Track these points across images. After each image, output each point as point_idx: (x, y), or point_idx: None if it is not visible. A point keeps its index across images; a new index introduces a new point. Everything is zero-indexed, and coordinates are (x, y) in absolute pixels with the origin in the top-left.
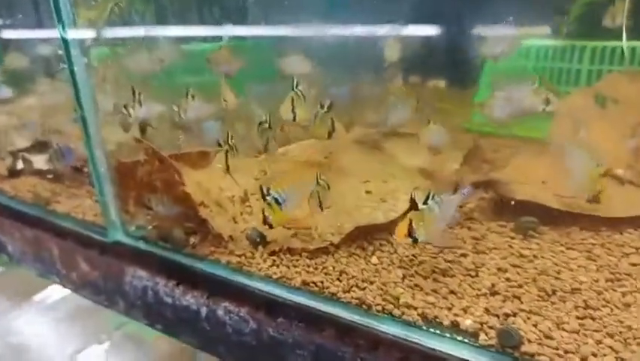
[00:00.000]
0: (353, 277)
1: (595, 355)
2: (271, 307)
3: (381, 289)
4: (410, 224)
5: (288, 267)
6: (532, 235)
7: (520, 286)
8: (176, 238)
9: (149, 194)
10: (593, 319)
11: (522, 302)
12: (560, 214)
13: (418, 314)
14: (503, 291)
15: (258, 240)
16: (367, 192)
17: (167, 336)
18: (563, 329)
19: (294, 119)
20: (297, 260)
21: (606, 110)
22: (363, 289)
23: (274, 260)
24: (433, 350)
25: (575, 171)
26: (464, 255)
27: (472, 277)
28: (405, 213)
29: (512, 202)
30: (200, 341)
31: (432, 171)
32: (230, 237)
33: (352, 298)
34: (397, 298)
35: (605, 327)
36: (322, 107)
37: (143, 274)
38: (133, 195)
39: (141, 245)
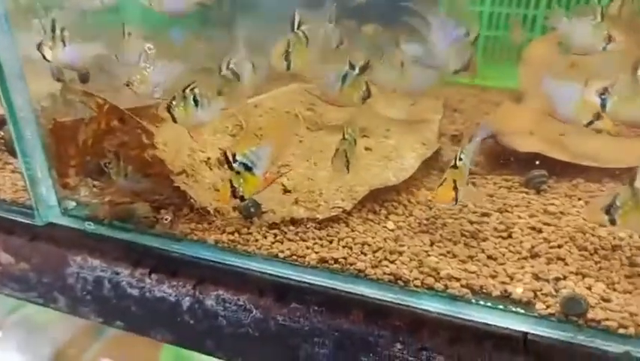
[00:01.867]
0: (379, 248)
1: None
2: (281, 291)
3: (415, 260)
4: (455, 185)
5: (296, 242)
6: (545, 190)
7: (560, 247)
8: (141, 215)
9: (100, 161)
10: None
11: (567, 264)
12: (561, 166)
13: (463, 286)
14: (544, 253)
15: (253, 210)
16: (367, 148)
17: (67, 318)
18: (615, 290)
19: (288, 67)
20: (305, 232)
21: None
22: (393, 262)
23: (275, 235)
24: (487, 324)
25: (565, 103)
26: (486, 214)
27: (505, 238)
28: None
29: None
30: (179, 337)
31: (420, 122)
32: (217, 210)
33: (384, 273)
34: (436, 270)
35: None
36: (353, 67)
37: (96, 263)
38: (74, 163)
39: (89, 227)
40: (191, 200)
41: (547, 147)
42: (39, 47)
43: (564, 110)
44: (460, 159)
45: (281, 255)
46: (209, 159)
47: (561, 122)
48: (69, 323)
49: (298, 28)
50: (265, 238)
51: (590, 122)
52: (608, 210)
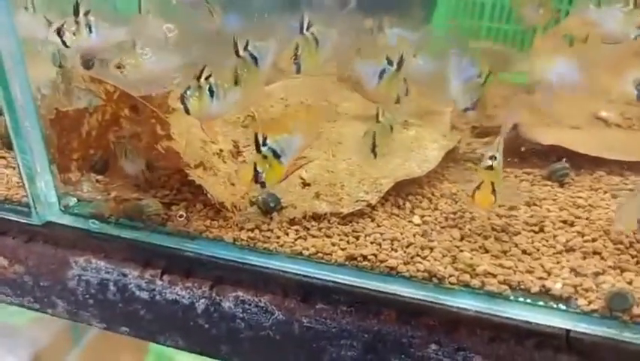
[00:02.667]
0: (410, 244)
1: None
2: (306, 291)
3: (448, 256)
4: (493, 188)
5: (320, 238)
6: (569, 183)
7: (595, 240)
8: (151, 212)
9: (105, 153)
10: None
11: (604, 258)
12: (581, 158)
13: (500, 282)
14: (579, 247)
15: (273, 205)
16: None
17: (43, 322)
18: None
19: (298, 70)
20: (329, 228)
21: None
22: (425, 258)
23: (297, 231)
24: (528, 322)
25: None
26: (514, 207)
27: (537, 232)
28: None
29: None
30: (192, 342)
31: (431, 113)
32: (234, 205)
33: (417, 271)
34: (472, 266)
35: None
36: (390, 63)
37: (101, 264)
38: (76, 157)
39: (93, 225)
40: (207, 195)
41: (568, 139)
42: (59, 31)
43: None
44: (495, 158)
45: (305, 252)
46: (221, 151)
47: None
48: (46, 328)
49: (307, 30)
50: (287, 234)
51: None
52: None
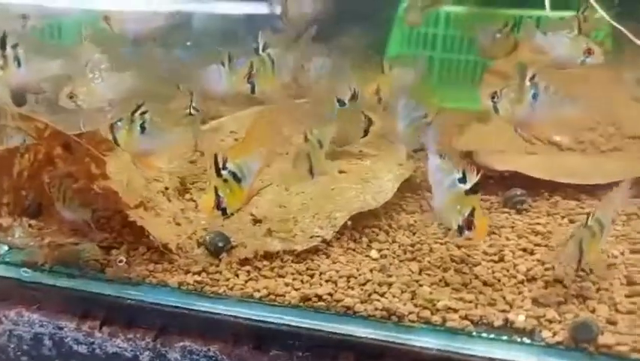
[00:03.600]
0: (367, 281)
1: None
2: (259, 337)
3: (407, 292)
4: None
5: (273, 279)
6: (526, 209)
7: (555, 268)
8: (88, 257)
9: (40, 196)
10: None
11: (566, 286)
12: (537, 184)
13: (462, 317)
14: (540, 276)
15: (222, 245)
16: (341, 171)
17: None
18: (618, 311)
19: (253, 90)
20: (282, 267)
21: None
22: (383, 295)
23: (249, 272)
24: (492, 359)
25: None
26: (471, 238)
27: (497, 262)
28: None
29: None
30: None
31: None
32: (179, 247)
33: (376, 309)
34: (432, 301)
35: None
36: (342, 103)
37: (34, 317)
38: (7, 201)
39: (25, 274)
40: (149, 237)
41: (524, 165)
42: None
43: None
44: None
45: (257, 295)
46: (166, 189)
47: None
48: None
49: (263, 51)
50: (237, 276)
51: None
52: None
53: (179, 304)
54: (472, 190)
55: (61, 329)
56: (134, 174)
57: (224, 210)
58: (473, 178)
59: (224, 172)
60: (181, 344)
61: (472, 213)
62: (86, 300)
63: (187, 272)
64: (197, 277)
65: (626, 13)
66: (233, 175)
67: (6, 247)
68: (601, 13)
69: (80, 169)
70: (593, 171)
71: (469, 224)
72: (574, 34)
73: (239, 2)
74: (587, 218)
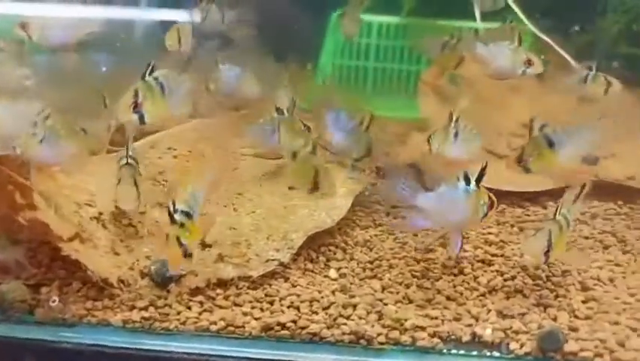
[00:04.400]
0: (331, 303)
1: (628, 337)
2: None
3: (373, 313)
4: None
5: (229, 308)
6: None
7: (514, 278)
8: (14, 298)
9: None
10: (595, 300)
11: (526, 296)
12: None
13: (431, 335)
14: (501, 287)
15: (169, 275)
16: (291, 188)
17: None
18: (577, 317)
19: (142, 121)
20: (238, 295)
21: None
22: (349, 317)
23: (202, 302)
24: None
25: None
26: (431, 250)
27: (457, 275)
28: None
29: None
30: None
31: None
32: (120, 280)
33: (343, 333)
34: (400, 321)
35: (610, 306)
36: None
37: None
38: None
39: None
40: (86, 271)
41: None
42: None
43: None
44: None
45: (213, 327)
46: (100, 214)
47: None
48: None
49: (150, 75)
50: (189, 308)
51: None
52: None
53: (125, 345)
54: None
55: None
56: (64, 200)
57: (190, 255)
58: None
59: (177, 216)
60: None
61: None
62: (12, 346)
63: (132, 308)
64: (144, 313)
65: (549, 26)
66: (186, 214)
67: None
68: (529, 25)
69: (1, 199)
70: (531, 178)
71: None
72: (514, 46)
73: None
74: (555, 212)
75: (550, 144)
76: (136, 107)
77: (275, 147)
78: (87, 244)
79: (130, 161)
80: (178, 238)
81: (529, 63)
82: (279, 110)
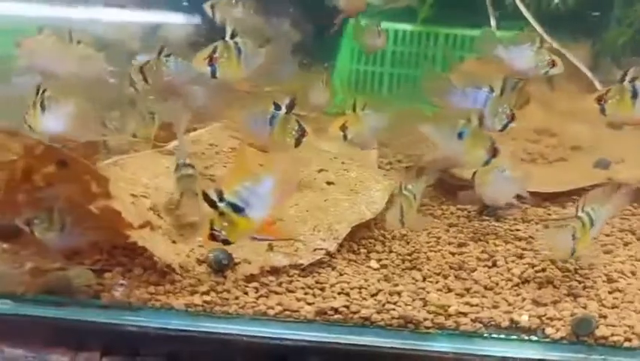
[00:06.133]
0: (379, 291)
1: None
2: (276, 355)
3: (418, 300)
4: None
5: (283, 294)
6: (503, 216)
7: (544, 270)
8: (80, 283)
9: (29, 214)
10: (620, 291)
11: (557, 287)
12: None
13: (473, 321)
14: (533, 278)
15: (226, 262)
16: (329, 183)
17: None
18: (604, 306)
19: (213, 74)
20: (290, 282)
21: None
22: (395, 303)
23: (257, 288)
24: (505, 358)
25: None
26: (463, 244)
27: (491, 267)
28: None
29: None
30: None
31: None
32: (181, 267)
33: (392, 318)
34: (444, 307)
35: (634, 297)
36: (278, 107)
37: (17, 353)
38: None
39: (3, 306)
40: (149, 257)
41: None
42: None
43: None
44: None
45: (270, 312)
46: (155, 205)
47: None
48: None
49: (232, 38)
50: (246, 293)
51: None
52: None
53: (188, 328)
54: None
55: None
56: (120, 191)
57: (225, 242)
58: None
59: (220, 205)
60: None
61: None
62: (79, 330)
63: (193, 293)
64: (205, 297)
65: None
66: (233, 206)
67: None
68: (543, 34)
69: (76, 188)
70: (549, 179)
71: None
72: (536, 47)
73: None
74: (577, 210)
75: (635, 95)
76: (211, 61)
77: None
78: (151, 233)
79: (191, 172)
80: (212, 222)
81: (553, 64)
82: (276, 105)
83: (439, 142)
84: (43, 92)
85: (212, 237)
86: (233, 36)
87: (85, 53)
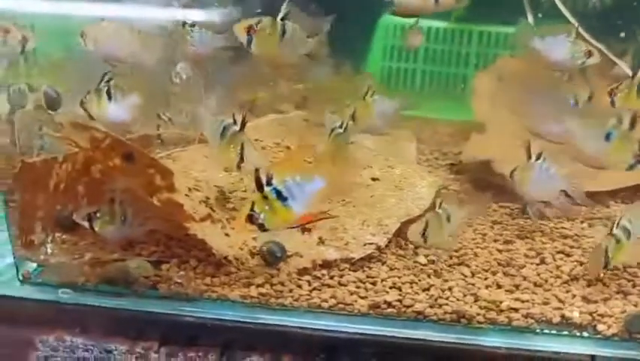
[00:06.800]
0: (431, 285)
1: None
2: (332, 347)
3: (469, 295)
4: None
5: (337, 287)
6: (544, 214)
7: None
8: (138, 274)
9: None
10: None
11: (606, 285)
12: None
13: (524, 316)
14: (582, 275)
15: (279, 255)
16: (374, 179)
17: None
18: None
19: (249, 44)
20: (342, 276)
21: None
22: (448, 298)
23: (309, 281)
24: (557, 353)
25: None
26: (509, 241)
27: (539, 264)
28: None
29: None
30: None
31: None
32: (236, 259)
33: (445, 313)
34: (496, 302)
35: None
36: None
37: (77, 341)
38: (41, 215)
39: (64, 296)
40: (203, 249)
41: None
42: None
43: None
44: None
45: (324, 305)
46: (207, 198)
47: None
48: None
49: (282, 19)
50: (299, 286)
51: None
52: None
53: (243, 319)
54: None
55: (109, 352)
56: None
57: (261, 226)
58: None
59: (267, 188)
60: (248, 359)
61: None
62: (138, 320)
63: (248, 285)
64: (260, 289)
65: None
66: (278, 193)
67: (34, 265)
68: (579, 29)
69: (141, 181)
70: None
71: None
72: (572, 37)
73: None
74: (612, 227)
75: None
76: (249, 31)
77: None
78: (221, 226)
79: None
80: (253, 204)
81: (589, 54)
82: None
83: (581, 139)
84: (109, 80)
85: (250, 218)
86: (284, 18)
87: (147, 41)
